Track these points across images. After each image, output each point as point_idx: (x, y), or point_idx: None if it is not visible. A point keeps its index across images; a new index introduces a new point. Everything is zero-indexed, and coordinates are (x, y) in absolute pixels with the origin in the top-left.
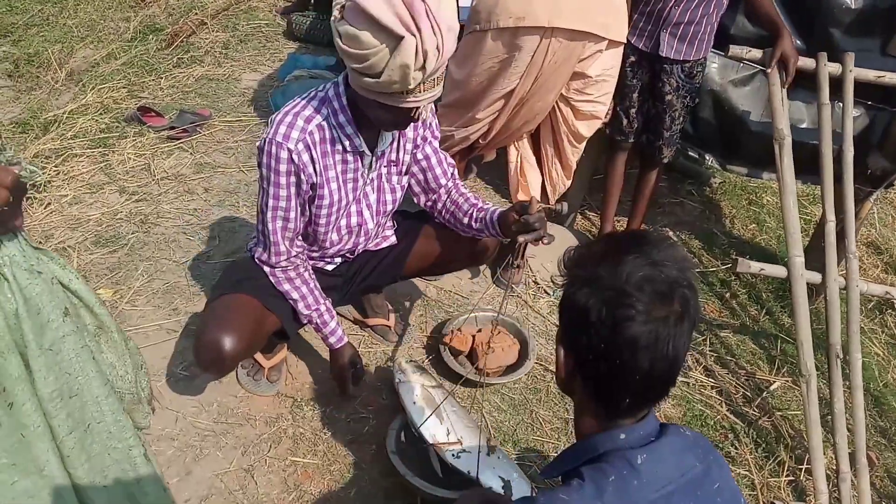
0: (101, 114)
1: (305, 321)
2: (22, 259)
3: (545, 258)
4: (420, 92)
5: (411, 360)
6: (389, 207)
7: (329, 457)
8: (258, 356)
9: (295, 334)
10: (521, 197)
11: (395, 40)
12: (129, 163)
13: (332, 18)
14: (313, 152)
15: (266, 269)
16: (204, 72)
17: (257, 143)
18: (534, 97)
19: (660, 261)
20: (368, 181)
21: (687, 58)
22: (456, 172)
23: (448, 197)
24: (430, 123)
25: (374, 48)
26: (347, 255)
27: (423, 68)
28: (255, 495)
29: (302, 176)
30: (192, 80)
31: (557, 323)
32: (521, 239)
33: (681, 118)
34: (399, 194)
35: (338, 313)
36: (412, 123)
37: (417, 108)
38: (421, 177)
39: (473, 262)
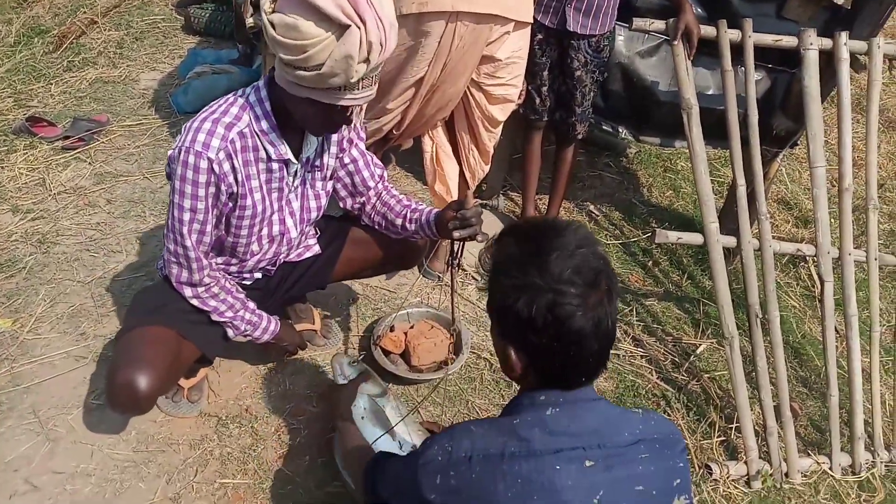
0: None
1: (237, 333)
2: None
3: (469, 243)
4: (358, 89)
5: (354, 361)
6: (314, 215)
7: (260, 474)
8: None
9: (216, 354)
10: (439, 187)
11: (339, 30)
12: (21, 178)
13: (263, 11)
14: (235, 161)
15: (188, 291)
16: (98, 74)
17: (169, 152)
18: (445, 83)
19: (576, 250)
20: (293, 189)
21: (593, 32)
22: (385, 174)
23: (378, 199)
24: (355, 125)
25: (316, 38)
26: (268, 267)
27: (366, 61)
28: None
29: (222, 186)
30: (86, 85)
31: (493, 320)
32: (456, 235)
33: (591, 93)
34: (324, 200)
35: None
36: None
37: (352, 107)
38: (348, 180)
39: (403, 265)
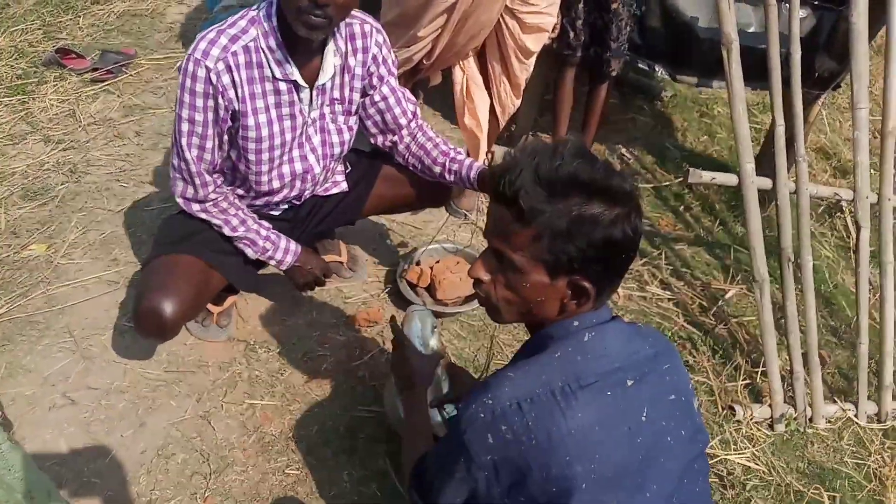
0: (15, 58)
1: (256, 252)
2: None
3: None
4: None
5: (436, 327)
6: (337, 150)
7: (287, 397)
8: None
9: (244, 288)
10: (469, 120)
11: None
12: (51, 109)
13: None
14: (235, 75)
15: (195, 206)
16: (126, 7)
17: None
18: (478, 10)
19: (599, 162)
20: (310, 121)
21: None
22: (418, 111)
23: (413, 140)
24: (387, 59)
25: None
26: (294, 201)
27: None
28: (213, 441)
29: (220, 100)
30: (114, 17)
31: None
32: None
33: (627, 28)
34: (347, 136)
35: None
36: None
37: None
38: (378, 118)
39: (433, 203)
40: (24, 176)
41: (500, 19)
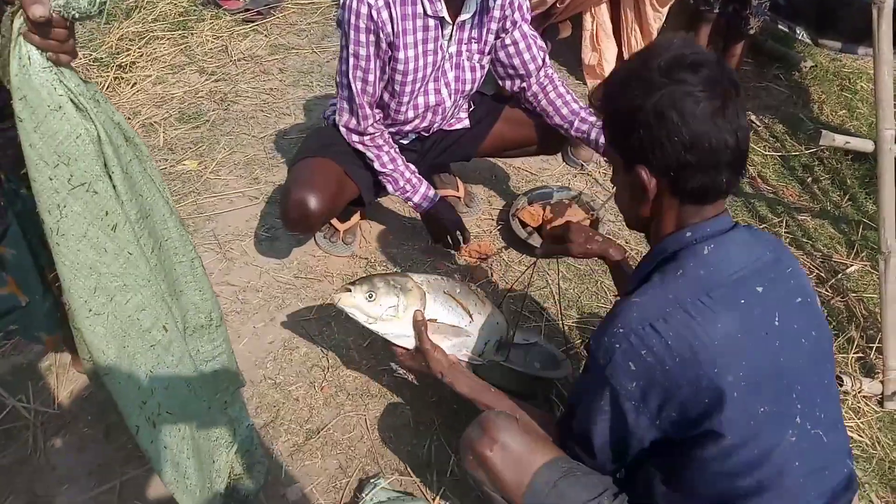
0: None
1: (395, 189)
2: (85, 89)
3: None
4: None
5: (372, 293)
6: (468, 87)
7: None
8: (333, 220)
9: (371, 203)
10: (595, 69)
11: None
12: (207, 45)
13: None
14: (392, 11)
15: (354, 136)
16: None
17: (341, 1)
18: None
19: (688, 50)
20: (447, 56)
21: None
22: (547, 60)
23: (542, 91)
24: (522, 5)
25: None
26: (423, 132)
27: None
28: (333, 340)
29: (381, 34)
30: None
31: (616, 157)
32: None
33: None
34: (479, 74)
35: None
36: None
37: None
38: (507, 62)
39: (548, 152)
40: (181, 101)
41: None
